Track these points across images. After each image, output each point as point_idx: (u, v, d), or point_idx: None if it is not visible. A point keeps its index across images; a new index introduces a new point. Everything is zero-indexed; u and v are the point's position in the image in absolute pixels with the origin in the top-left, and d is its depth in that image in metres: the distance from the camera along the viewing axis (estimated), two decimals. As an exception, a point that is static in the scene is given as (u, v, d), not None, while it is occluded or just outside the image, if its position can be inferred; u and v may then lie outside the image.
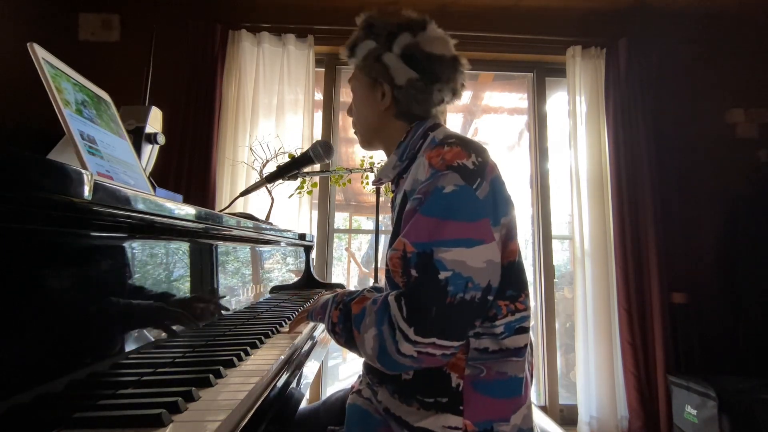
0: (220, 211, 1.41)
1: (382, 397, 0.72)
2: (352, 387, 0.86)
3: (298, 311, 1.08)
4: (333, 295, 0.77)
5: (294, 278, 1.54)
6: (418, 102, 0.78)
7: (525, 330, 0.67)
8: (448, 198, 0.62)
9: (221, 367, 0.58)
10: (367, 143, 0.88)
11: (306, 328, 0.91)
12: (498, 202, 0.66)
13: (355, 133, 0.90)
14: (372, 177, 1.73)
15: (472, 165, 0.65)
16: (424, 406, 0.66)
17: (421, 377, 0.67)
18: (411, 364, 0.62)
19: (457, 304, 0.59)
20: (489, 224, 0.63)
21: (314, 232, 2.31)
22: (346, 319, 0.69)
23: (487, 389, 0.65)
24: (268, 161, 1.77)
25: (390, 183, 0.86)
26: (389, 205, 0.93)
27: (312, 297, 1.32)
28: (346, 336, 0.69)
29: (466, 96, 3.26)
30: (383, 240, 1.96)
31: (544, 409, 2.25)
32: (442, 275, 0.59)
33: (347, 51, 0.83)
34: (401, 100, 0.78)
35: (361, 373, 0.84)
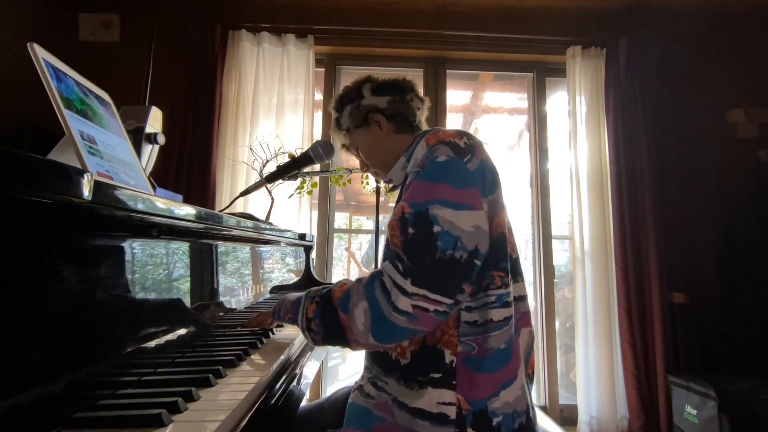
0: (220, 211, 1.41)
1: (391, 388, 0.73)
2: (355, 383, 0.86)
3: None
4: (305, 292, 0.79)
5: (294, 278, 1.54)
6: (404, 112, 0.93)
7: (509, 304, 0.72)
8: (440, 165, 0.70)
9: (221, 367, 0.58)
10: (389, 169, 0.96)
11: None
12: (486, 178, 0.73)
13: (375, 176, 1.03)
14: (372, 178, 1.73)
15: (463, 144, 0.74)
16: (420, 384, 0.69)
17: (418, 358, 0.71)
18: (407, 325, 0.64)
19: (447, 260, 0.64)
20: (478, 194, 0.70)
21: (314, 232, 2.31)
22: (325, 310, 0.70)
23: (478, 365, 0.68)
24: (268, 161, 1.77)
25: (400, 185, 0.94)
26: (390, 205, 0.97)
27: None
28: (326, 329, 0.70)
29: (466, 96, 3.26)
30: (383, 240, 1.96)
31: (544, 409, 2.25)
32: (435, 229, 0.65)
33: (336, 130, 1.00)
34: (394, 115, 0.93)
35: (362, 372, 0.84)
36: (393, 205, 0.95)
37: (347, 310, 0.67)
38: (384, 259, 0.74)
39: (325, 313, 0.70)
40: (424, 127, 0.97)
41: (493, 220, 0.72)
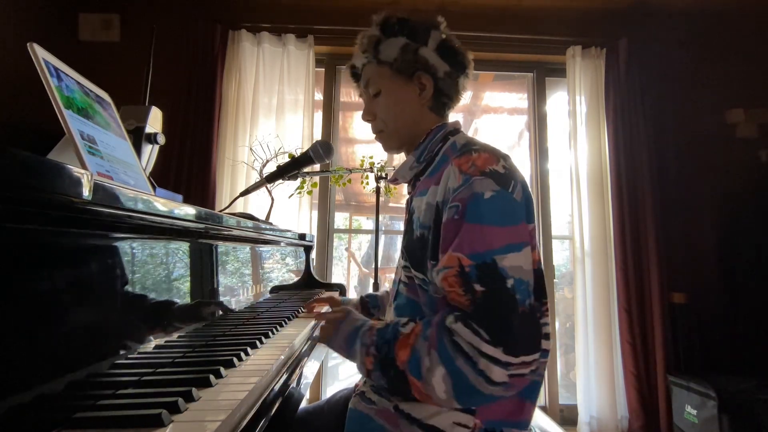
0: (220, 211, 1.41)
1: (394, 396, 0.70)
2: (356, 386, 0.84)
3: (298, 311, 1.08)
4: (357, 326, 0.71)
5: (294, 278, 1.54)
6: (452, 93, 0.81)
7: (547, 335, 0.66)
8: (489, 204, 0.62)
9: (221, 367, 0.58)
10: (398, 144, 0.85)
11: (308, 326, 0.91)
12: (530, 205, 0.67)
13: (377, 136, 0.87)
14: (372, 177, 1.73)
15: (502, 170, 0.65)
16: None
17: None
18: (501, 393, 0.58)
19: (529, 312, 0.58)
20: (526, 227, 0.64)
21: (314, 232, 2.31)
22: (386, 367, 0.63)
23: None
24: (268, 161, 1.77)
25: (407, 185, 0.86)
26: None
27: (311, 297, 1.31)
28: (390, 384, 0.64)
29: (466, 96, 3.25)
30: (383, 240, 1.96)
31: (544, 409, 2.25)
32: (509, 283, 0.58)
33: (368, 51, 0.82)
34: (441, 91, 0.80)
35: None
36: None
37: (420, 376, 0.59)
38: (424, 305, 0.68)
39: (387, 370, 0.63)
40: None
41: (535, 247, 0.66)
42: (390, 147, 0.87)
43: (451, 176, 0.67)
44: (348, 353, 0.70)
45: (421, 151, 0.79)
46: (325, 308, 0.99)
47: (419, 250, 0.71)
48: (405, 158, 0.84)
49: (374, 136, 0.88)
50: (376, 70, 0.82)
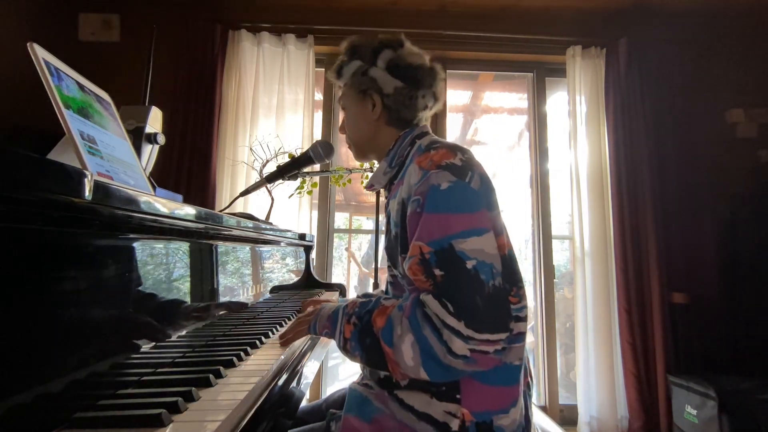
0: (220, 211, 1.41)
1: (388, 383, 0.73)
2: (359, 375, 0.87)
3: (298, 311, 1.08)
4: (341, 305, 0.74)
5: (294, 278, 1.54)
6: (406, 107, 0.84)
7: (524, 319, 0.69)
8: (446, 194, 0.66)
9: (221, 367, 0.58)
10: (362, 154, 0.92)
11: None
12: (489, 194, 0.70)
13: (349, 147, 0.94)
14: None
15: (459, 162, 0.69)
16: (427, 392, 0.68)
17: None
18: (463, 367, 0.60)
19: (495, 292, 0.61)
20: (487, 213, 0.67)
21: (314, 232, 2.31)
22: (364, 335, 0.67)
23: (484, 376, 0.66)
24: (268, 161, 1.77)
25: (383, 189, 0.91)
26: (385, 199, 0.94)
27: (311, 297, 1.31)
28: (365, 354, 0.67)
29: (466, 96, 3.26)
30: (383, 240, 1.97)
31: (544, 409, 2.25)
32: (469, 264, 0.61)
33: (334, 74, 0.90)
34: (391, 107, 0.84)
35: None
36: (385, 210, 0.88)
37: (391, 343, 0.63)
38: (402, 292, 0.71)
39: (363, 337, 0.66)
40: (423, 123, 0.88)
41: (501, 234, 0.69)
42: (356, 156, 0.94)
43: (412, 174, 0.72)
44: (332, 330, 0.73)
45: (392, 157, 0.83)
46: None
47: (395, 248, 0.75)
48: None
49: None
50: (343, 90, 0.90)
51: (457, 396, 0.65)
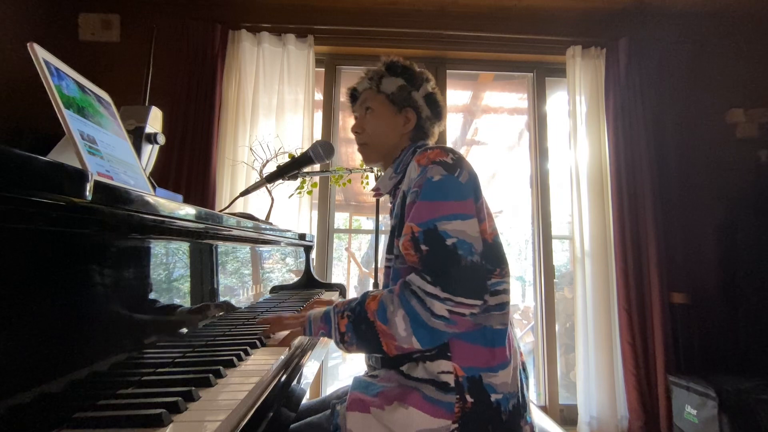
0: (220, 211, 1.41)
1: (392, 362, 0.81)
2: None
3: (298, 311, 1.08)
4: (330, 307, 0.81)
5: (294, 278, 1.54)
6: (426, 130, 1.00)
7: (503, 292, 0.79)
8: (437, 184, 0.77)
9: (221, 367, 0.58)
10: (374, 158, 1.02)
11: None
12: (475, 188, 0.81)
13: (361, 147, 1.02)
14: (372, 177, 1.73)
15: (451, 160, 0.81)
16: (422, 359, 0.77)
17: None
18: (446, 328, 0.71)
19: (470, 266, 0.71)
20: (473, 203, 0.78)
21: (314, 232, 2.31)
22: (358, 323, 0.75)
23: (470, 337, 0.75)
24: (268, 161, 1.77)
25: (388, 195, 1.01)
26: (389, 205, 0.99)
27: (312, 297, 1.32)
28: (359, 339, 0.75)
29: (466, 96, 3.26)
30: (383, 240, 1.97)
31: (544, 409, 2.25)
32: (449, 242, 0.72)
33: (373, 79, 0.99)
34: (421, 127, 0.99)
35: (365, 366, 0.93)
36: (390, 205, 0.97)
37: (386, 319, 0.72)
38: (396, 280, 0.79)
39: (358, 325, 0.75)
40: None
41: (484, 222, 0.79)
42: (370, 159, 1.03)
43: (412, 170, 0.84)
44: (328, 329, 0.80)
45: (398, 164, 0.96)
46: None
47: (394, 233, 0.87)
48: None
49: (357, 147, 1.03)
50: (375, 96, 0.99)
51: (448, 354, 0.75)
